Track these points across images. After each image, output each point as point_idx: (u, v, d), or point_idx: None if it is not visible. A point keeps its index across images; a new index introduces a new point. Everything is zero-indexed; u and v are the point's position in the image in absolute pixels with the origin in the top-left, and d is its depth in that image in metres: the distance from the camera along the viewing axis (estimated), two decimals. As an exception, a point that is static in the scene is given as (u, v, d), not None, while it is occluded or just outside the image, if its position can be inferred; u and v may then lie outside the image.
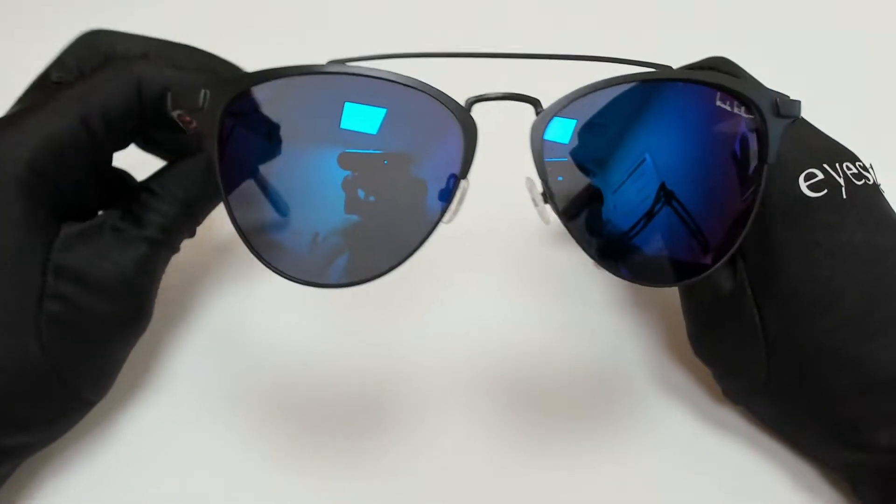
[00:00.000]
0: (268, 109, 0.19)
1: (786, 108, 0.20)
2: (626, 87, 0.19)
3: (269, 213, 0.20)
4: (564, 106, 0.18)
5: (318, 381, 0.26)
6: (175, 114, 0.19)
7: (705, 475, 0.23)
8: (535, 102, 0.19)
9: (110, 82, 0.21)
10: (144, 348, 0.25)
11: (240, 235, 0.19)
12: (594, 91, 0.18)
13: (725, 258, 0.20)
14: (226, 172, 0.19)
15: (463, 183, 0.19)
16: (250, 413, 0.25)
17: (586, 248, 0.20)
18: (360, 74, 0.18)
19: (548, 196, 0.19)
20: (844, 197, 0.21)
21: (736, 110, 0.20)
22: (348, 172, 0.19)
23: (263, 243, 0.20)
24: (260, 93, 0.19)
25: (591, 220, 0.20)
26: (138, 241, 0.21)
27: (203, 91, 0.18)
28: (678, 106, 0.20)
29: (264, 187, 0.20)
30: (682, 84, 0.19)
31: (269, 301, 0.28)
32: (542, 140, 0.19)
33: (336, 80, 0.19)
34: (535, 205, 0.20)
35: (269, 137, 0.19)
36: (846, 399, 0.20)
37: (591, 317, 0.28)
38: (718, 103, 0.20)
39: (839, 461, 0.22)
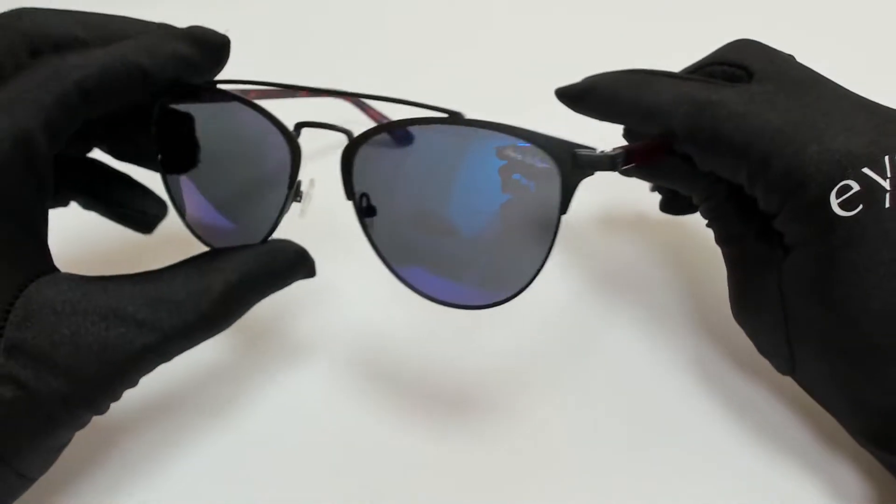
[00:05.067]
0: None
1: (585, 160, 0.20)
2: (419, 127, 0.21)
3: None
4: (369, 137, 0.21)
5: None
6: None
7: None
8: (348, 133, 0.22)
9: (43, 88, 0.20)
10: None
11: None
12: (392, 128, 0.21)
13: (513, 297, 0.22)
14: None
15: (304, 185, 0.23)
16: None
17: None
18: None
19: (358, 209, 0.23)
20: (887, 206, 0.20)
21: (531, 160, 0.21)
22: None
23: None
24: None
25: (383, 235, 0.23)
26: (150, 322, 0.19)
27: None
28: (468, 149, 0.21)
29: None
30: (471, 130, 0.21)
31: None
32: (351, 163, 0.22)
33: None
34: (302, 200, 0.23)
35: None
36: (876, 408, 0.21)
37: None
38: (512, 153, 0.21)
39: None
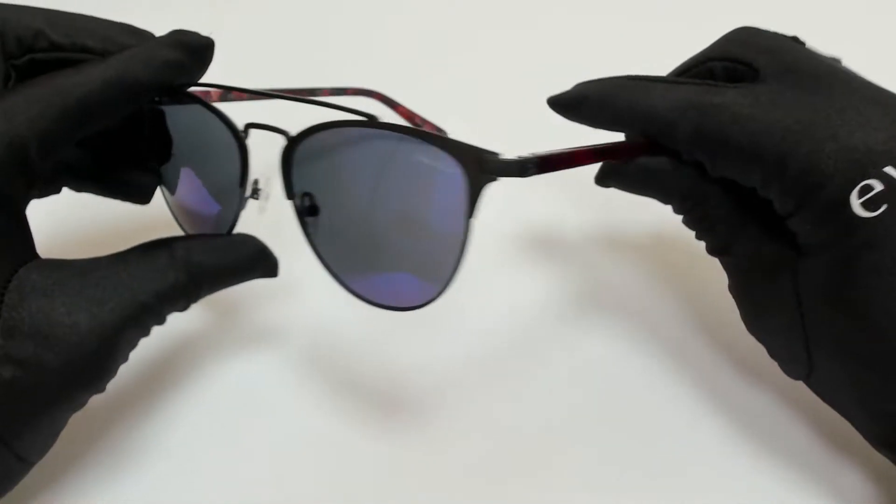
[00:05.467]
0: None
1: (490, 166, 0.20)
2: (347, 130, 0.22)
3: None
4: (300, 140, 0.23)
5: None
6: None
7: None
8: (285, 133, 0.23)
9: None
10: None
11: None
12: (321, 130, 0.22)
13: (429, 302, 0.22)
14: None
15: (259, 182, 0.25)
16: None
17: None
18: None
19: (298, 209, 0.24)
20: None
21: (440, 165, 0.21)
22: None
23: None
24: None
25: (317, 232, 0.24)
26: (127, 298, 0.21)
27: None
28: (386, 153, 0.22)
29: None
30: (388, 133, 0.21)
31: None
32: (290, 163, 0.23)
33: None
34: (259, 198, 0.25)
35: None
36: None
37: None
38: (422, 157, 0.21)
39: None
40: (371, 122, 0.21)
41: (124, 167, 0.27)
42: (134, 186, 0.27)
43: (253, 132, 0.24)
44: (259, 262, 0.24)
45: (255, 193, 0.25)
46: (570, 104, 0.24)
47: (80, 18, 0.24)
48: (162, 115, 0.26)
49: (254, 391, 0.27)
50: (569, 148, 0.22)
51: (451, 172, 0.21)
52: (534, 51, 0.49)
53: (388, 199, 0.22)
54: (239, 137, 0.24)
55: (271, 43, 0.51)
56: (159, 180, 0.28)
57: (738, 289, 0.24)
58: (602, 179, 0.26)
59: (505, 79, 0.45)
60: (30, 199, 0.22)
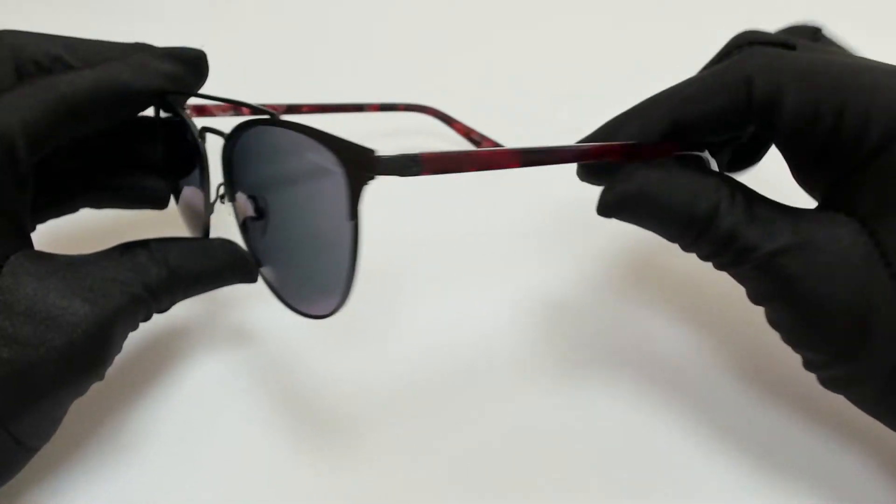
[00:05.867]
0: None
1: (367, 164, 0.19)
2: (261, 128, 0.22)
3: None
4: (229, 139, 0.23)
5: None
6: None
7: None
8: (223, 135, 0.24)
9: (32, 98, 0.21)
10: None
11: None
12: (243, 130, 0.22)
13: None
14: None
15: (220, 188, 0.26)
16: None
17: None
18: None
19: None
20: None
21: (326, 162, 0.20)
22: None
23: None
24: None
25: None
26: (118, 289, 0.21)
27: None
28: (288, 151, 0.21)
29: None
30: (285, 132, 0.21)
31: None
32: (230, 162, 0.24)
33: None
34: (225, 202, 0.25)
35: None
36: None
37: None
38: (313, 156, 0.20)
39: None
40: (273, 119, 0.21)
41: (137, 175, 0.28)
42: (149, 192, 0.29)
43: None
44: (236, 267, 0.25)
45: (222, 198, 0.26)
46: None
47: (97, 44, 0.25)
48: (184, 127, 0.27)
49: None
50: (444, 152, 0.19)
51: (335, 171, 0.19)
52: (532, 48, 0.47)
53: (290, 199, 0.22)
54: (196, 142, 0.25)
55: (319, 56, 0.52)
56: (170, 186, 0.29)
57: (804, 303, 0.20)
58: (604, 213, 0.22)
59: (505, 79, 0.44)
60: (24, 203, 0.22)
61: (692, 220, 0.21)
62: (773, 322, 0.22)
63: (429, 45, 0.52)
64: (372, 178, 0.19)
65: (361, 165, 0.19)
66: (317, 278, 0.22)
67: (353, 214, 0.19)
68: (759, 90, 0.21)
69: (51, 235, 0.27)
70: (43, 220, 0.27)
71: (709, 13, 0.48)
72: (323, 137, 0.19)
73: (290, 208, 0.22)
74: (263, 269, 0.25)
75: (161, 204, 0.30)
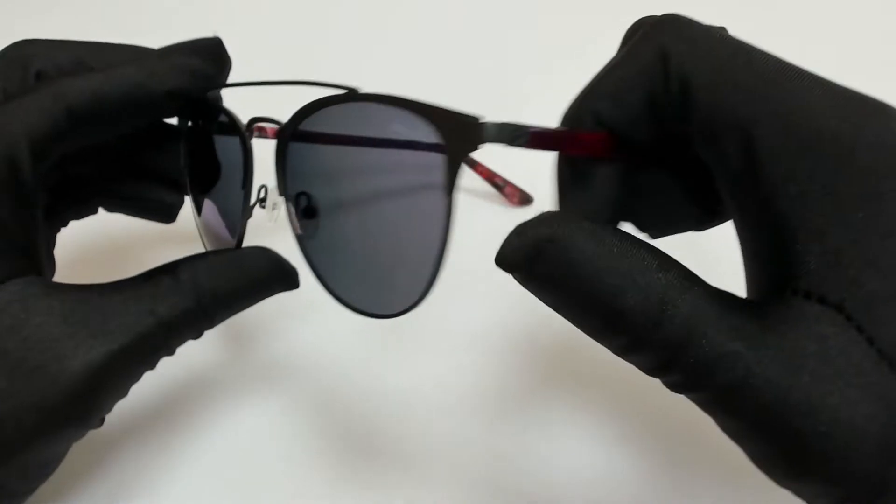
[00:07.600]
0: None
1: (473, 132, 0.17)
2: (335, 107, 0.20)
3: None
4: (288, 130, 0.21)
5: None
6: None
7: None
8: (278, 123, 0.22)
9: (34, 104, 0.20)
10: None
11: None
12: (310, 113, 0.21)
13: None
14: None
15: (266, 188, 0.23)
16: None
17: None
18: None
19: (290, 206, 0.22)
20: None
21: (420, 134, 0.18)
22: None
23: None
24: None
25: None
26: (120, 329, 0.19)
27: None
28: (369, 128, 0.20)
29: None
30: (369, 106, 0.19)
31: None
32: (284, 160, 0.22)
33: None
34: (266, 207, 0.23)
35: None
36: None
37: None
38: (404, 128, 0.19)
39: None
40: (353, 94, 0.20)
41: (144, 185, 0.27)
42: (153, 204, 0.27)
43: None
44: (275, 275, 0.22)
45: (262, 202, 0.24)
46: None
47: (120, 48, 0.24)
48: (209, 141, 0.25)
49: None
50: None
51: (433, 143, 0.18)
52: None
53: (375, 181, 0.20)
54: (243, 136, 0.23)
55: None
56: (182, 199, 0.27)
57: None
58: None
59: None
60: (30, 218, 0.20)
61: (624, 313, 0.15)
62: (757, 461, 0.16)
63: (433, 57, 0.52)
64: (475, 148, 0.18)
65: (465, 135, 0.18)
66: (393, 271, 0.20)
67: (451, 186, 0.18)
68: (674, 62, 0.17)
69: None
70: (65, 223, 0.26)
71: (709, 13, 0.50)
72: (418, 107, 0.18)
73: (363, 196, 0.21)
74: (321, 271, 0.22)
75: (167, 218, 0.28)
